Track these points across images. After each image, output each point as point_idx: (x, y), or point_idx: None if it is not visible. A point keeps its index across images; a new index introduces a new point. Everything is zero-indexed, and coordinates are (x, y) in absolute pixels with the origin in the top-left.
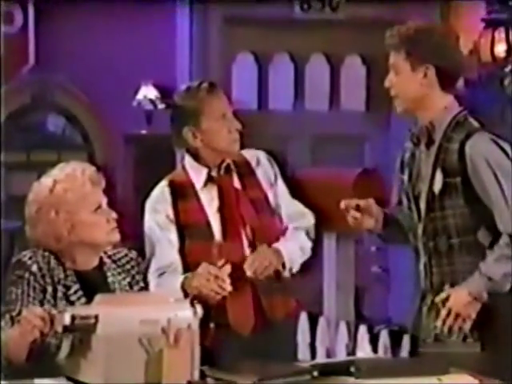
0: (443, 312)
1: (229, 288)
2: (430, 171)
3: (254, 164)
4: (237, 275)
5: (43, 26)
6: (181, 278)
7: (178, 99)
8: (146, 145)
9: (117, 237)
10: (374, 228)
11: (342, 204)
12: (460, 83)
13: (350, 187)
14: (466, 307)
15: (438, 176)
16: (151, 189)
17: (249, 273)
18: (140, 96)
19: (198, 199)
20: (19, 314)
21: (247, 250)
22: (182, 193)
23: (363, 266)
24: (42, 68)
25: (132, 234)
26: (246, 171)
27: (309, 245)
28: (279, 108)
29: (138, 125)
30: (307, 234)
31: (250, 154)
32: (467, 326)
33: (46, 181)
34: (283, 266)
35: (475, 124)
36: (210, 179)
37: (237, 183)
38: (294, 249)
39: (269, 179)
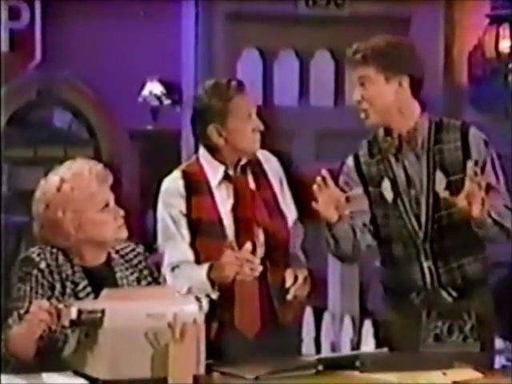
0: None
1: (260, 267)
2: (424, 175)
3: (265, 165)
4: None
5: (50, 23)
6: (203, 269)
7: (204, 96)
8: (151, 140)
9: (124, 234)
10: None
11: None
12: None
13: None
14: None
15: (440, 177)
16: (157, 184)
17: (290, 297)
18: (146, 92)
19: (212, 196)
20: (27, 311)
21: (259, 251)
22: (195, 187)
23: (367, 260)
24: (49, 64)
25: (138, 228)
26: (259, 171)
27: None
28: (284, 104)
29: (144, 120)
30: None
31: (261, 155)
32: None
33: (53, 179)
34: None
35: (457, 122)
36: (226, 177)
37: (252, 183)
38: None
39: (279, 181)
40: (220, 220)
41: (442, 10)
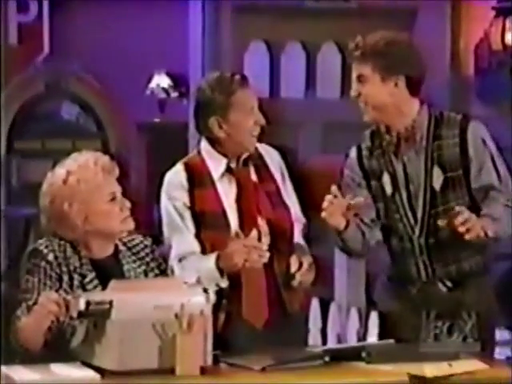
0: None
1: (267, 253)
2: (422, 171)
3: (267, 158)
4: (252, 268)
5: (58, 16)
6: (211, 258)
7: (207, 89)
8: (158, 132)
9: (131, 225)
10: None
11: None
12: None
13: None
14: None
15: (437, 173)
16: (164, 176)
17: (295, 283)
18: (153, 84)
19: (215, 189)
20: (36, 302)
21: (264, 240)
22: (198, 180)
23: (374, 252)
24: (57, 57)
25: (145, 220)
26: (260, 164)
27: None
28: (291, 96)
29: (151, 113)
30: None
31: (262, 148)
32: (479, 230)
33: (59, 172)
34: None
35: (458, 116)
36: (228, 170)
37: (253, 176)
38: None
39: (281, 173)
40: (224, 212)
41: (448, 3)
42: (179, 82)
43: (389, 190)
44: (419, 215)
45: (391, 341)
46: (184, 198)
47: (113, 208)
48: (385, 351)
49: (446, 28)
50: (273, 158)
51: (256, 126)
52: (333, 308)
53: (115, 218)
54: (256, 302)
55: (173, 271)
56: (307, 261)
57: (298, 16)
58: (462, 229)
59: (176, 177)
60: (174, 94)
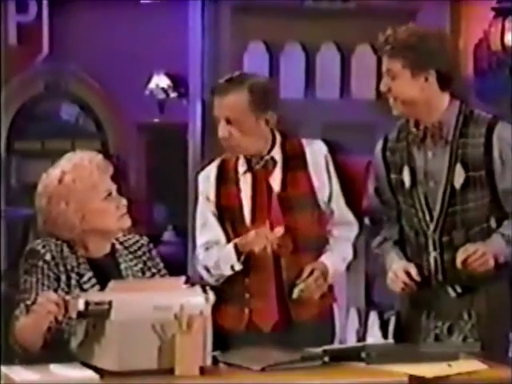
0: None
1: (275, 242)
2: (445, 168)
3: (309, 157)
4: (262, 268)
5: (57, 16)
6: (231, 243)
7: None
8: (158, 133)
9: (127, 223)
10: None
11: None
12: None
13: (360, 175)
14: (485, 258)
15: (459, 171)
16: (163, 175)
17: (295, 296)
18: (152, 85)
19: (238, 185)
20: (34, 302)
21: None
22: (226, 176)
23: (374, 253)
24: (56, 57)
25: (145, 219)
26: (296, 165)
27: (350, 256)
28: (290, 96)
29: (151, 113)
30: (351, 244)
31: (309, 146)
32: (491, 262)
33: (54, 172)
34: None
35: (487, 115)
36: (249, 169)
37: (276, 178)
38: (338, 261)
39: (321, 177)
40: (241, 207)
41: (447, 3)
42: (178, 82)
43: (407, 183)
44: (436, 212)
45: (391, 341)
46: (209, 192)
47: (109, 206)
48: (384, 351)
49: (445, 28)
50: (317, 159)
51: (220, 139)
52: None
53: (111, 216)
54: (264, 305)
55: (198, 259)
56: (319, 270)
57: (298, 16)
58: (474, 265)
59: (208, 172)
60: (174, 95)
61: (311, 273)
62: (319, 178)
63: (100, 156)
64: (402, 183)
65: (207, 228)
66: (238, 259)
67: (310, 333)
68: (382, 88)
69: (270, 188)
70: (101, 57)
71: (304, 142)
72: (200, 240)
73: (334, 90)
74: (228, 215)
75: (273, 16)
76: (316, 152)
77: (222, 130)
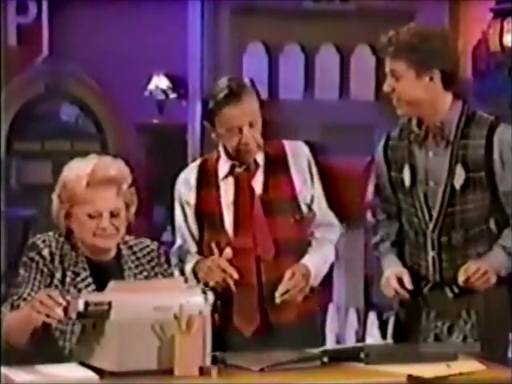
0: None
1: (235, 275)
2: (445, 168)
3: (290, 159)
4: (244, 272)
5: (57, 17)
6: (192, 261)
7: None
8: (157, 134)
9: (103, 244)
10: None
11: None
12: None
13: (359, 176)
14: (487, 276)
15: (459, 171)
16: (163, 177)
17: (278, 300)
18: (152, 86)
19: (218, 189)
20: (22, 297)
21: (257, 249)
22: (207, 179)
23: (373, 253)
24: (56, 58)
25: (144, 222)
26: (278, 168)
27: (332, 258)
28: (289, 97)
29: (150, 114)
30: (333, 246)
31: (291, 148)
32: (493, 279)
33: (71, 173)
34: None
35: (490, 117)
36: (231, 172)
37: (258, 181)
38: (319, 264)
39: (304, 179)
40: (221, 213)
41: (446, 5)
42: (178, 83)
43: (407, 182)
44: (435, 212)
45: (390, 341)
46: (189, 195)
47: (91, 223)
48: (383, 352)
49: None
50: (299, 160)
51: (242, 146)
52: (331, 309)
53: (88, 231)
54: (246, 309)
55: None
56: (300, 272)
57: (297, 18)
58: (477, 284)
59: (187, 173)
60: (173, 96)
61: (292, 276)
62: (301, 180)
63: (112, 169)
64: (402, 182)
65: (179, 233)
66: (198, 282)
67: (292, 336)
68: (386, 89)
69: (252, 191)
70: (100, 58)
71: (286, 143)
72: (176, 242)
73: (333, 91)
74: (207, 221)
75: (272, 17)
76: (298, 154)
77: (247, 136)
